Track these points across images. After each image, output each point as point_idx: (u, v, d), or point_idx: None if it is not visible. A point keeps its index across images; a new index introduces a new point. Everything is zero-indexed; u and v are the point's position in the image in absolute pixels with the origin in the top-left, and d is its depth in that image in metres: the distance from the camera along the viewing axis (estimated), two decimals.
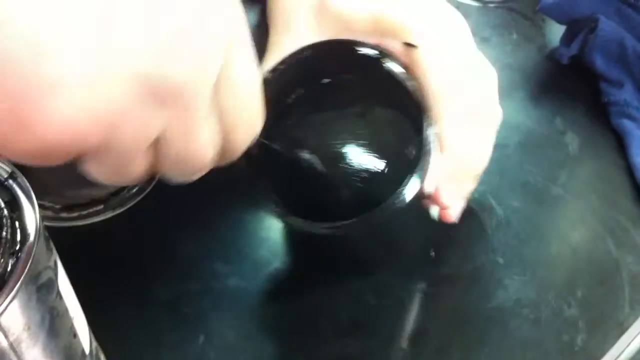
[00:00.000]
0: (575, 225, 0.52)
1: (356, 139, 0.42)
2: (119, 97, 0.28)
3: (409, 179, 0.40)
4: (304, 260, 0.49)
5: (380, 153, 0.42)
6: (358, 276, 0.48)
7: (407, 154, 0.42)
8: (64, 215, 0.48)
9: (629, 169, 0.55)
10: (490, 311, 0.47)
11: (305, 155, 0.42)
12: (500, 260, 0.49)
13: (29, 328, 0.31)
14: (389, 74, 0.43)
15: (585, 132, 0.58)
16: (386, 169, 0.42)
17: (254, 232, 0.50)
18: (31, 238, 0.31)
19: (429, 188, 0.42)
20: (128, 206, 0.50)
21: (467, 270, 0.49)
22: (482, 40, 0.65)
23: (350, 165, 0.42)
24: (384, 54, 0.43)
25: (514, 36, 0.66)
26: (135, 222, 0.50)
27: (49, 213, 0.48)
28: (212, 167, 0.36)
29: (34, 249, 0.31)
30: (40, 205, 0.48)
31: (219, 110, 0.32)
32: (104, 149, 0.30)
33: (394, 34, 0.43)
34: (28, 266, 0.30)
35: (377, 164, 0.42)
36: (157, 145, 0.31)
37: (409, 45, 0.43)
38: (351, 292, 0.47)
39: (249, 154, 0.38)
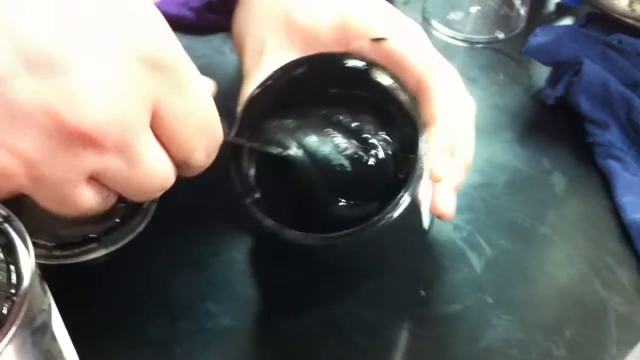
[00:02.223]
0: (562, 265, 0.53)
1: (346, 150, 0.43)
2: (39, 139, 0.29)
3: (402, 194, 0.41)
4: (295, 300, 0.50)
5: (371, 165, 0.43)
6: (348, 316, 0.48)
7: (398, 167, 0.43)
8: (57, 253, 0.48)
9: (615, 210, 0.56)
10: (480, 352, 0.47)
11: (296, 165, 0.43)
12: (489, 300, 0.50)
13: None
14: (379, 85, 0.44)
15: (571, 173, 0.59)
16: (377, 182, 0.43)
17: (246, 272, 0.50)
18: (26, 282, 0.31)
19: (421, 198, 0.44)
20: (121, 244, 0.50)
21: (456, 310, 0.49)
22: (470, 81, 0.66)
23: (342, 177, 0.43)
24: (372, 64, 0.44)
25: (501, 77, 0.67)
26: (128, 261, 0.50)
27: (42, 251, 0.48)
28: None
29: (29, 293, 0.31)
30: (33, 244, 0.48)
31: (169, 137, 0.34)
32: (36, 186, 0.31)
33: (361, 35, 0.45)
34: (23, 310, 0.30)
35: (368, 176, 0.43)
36: (99, 177, 0.33)
37: (378, 40, 0.45)
38: (341, 333, 0.47)
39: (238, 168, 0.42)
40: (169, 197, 0.53)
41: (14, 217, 0.34)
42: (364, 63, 0.45)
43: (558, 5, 0.76)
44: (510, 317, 0.49)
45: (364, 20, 0.46)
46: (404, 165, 0.43)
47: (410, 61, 0.45)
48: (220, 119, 0.38)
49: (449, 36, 0.71)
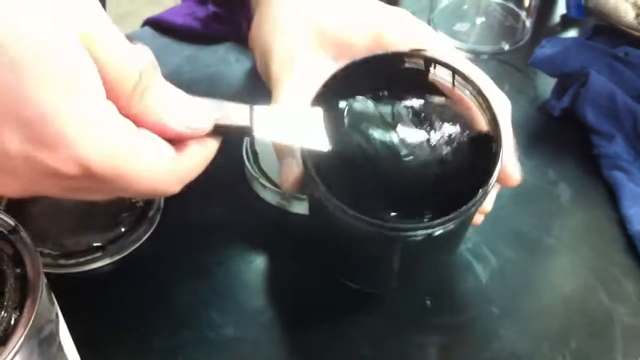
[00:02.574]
0: (568, 276, 0.53)
1: (409, 148, 0.42)
2: None
3: (477, 196, 0.40)
4: (300, 310, 0.50)
5: (438, 162, 0.42)
6: (353, 325, 0.48)
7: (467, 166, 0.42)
8: (62, 262, 0.49)
9: (621, 221, 0.55)
10: None
11: (361, 160, 0.41)
12: (495, 311, 0.50)
13: None
14: (444, 84, 0.44)
15: (577, 184, 0.59)
16: (443, 179, 0.42)
17: (250, 282, 0.50)
18: (34, 293, 0.31)
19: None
20: (126, 253, 0.50)
21: (462, 320, 0.49)
22: None
23: (406, 175, 0.41)
24: (435, 62, 0.43)
25: (506, 88, 0.67)
26: (132, 270, 0.50)
27: (48, 260, 0.48)
28: None
29: (37, 303, 0.31)
30: (38, 252, 0.48)
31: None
32: None
33: (398, 45, 0.45)
34: (31, 321, 0.30)
35: (433, 173, 0.42)
36: None
37: (416, 50, 0.44)
38: (346, 342, 0.47)
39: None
40: (173, 206, 0.53)
41: (21, 228, 0.34)
42: (426, 60, 0.44)
43: (563, 17, 0.76)
44: (517, 327, 0.49)
45: (400, 30, 0.45)
46: (470, 167, 0.42)
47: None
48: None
49: (454, 47, 0.71)
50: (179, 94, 0.34)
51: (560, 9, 0.77)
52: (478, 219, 0.46)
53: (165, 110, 0.33)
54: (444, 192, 0.41)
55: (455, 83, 0.44)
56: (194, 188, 0.38)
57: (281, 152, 0.45)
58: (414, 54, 0.44)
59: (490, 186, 0.41)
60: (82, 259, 0.49)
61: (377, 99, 0.43)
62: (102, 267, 0.50)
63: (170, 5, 0.74)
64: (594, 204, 0.58)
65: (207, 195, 0.54)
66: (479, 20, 0.74)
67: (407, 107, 0.43)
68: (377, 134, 0.41)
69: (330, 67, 0.44)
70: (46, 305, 0.33)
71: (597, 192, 0.58)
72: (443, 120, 0.43)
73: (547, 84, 0.66)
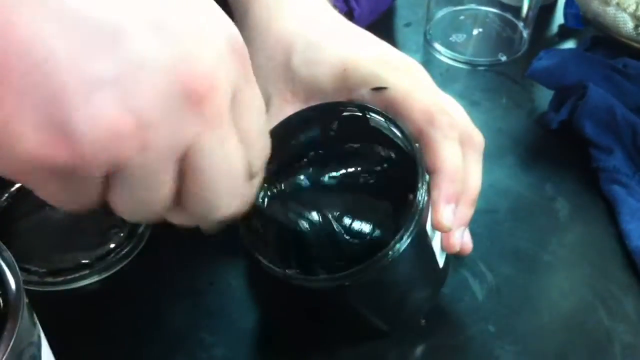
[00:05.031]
0: (566, 293, 0.52)
1: (348, 194, 0.42)
2: (156, 96, 0.29)
3: (403, 231, 0.39)
4: (292, 330, 0.48)
5: (373, 207, 0.42)
6: (347, 347, 0.47)
7: (400, 205, 0.42)
8: (49, 279, 0.48)
9: (620, 236, 0.54)
10: None
11: (298, 212, 0.42)
12: (492, 330, 0.48)
13: None
14: (376, 129, 0.43)
15: (575, 198, 0.58)
16: (377, 222, 0.42)
17: (242, 301, 0.49)
18: (14, 315, 0.30)
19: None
20: (114, 270, 0.49)
21: (458, 340, 0.48)
22: (472, 104, 0.65)
23: (343, 220, 0.42)
24: (367, 109, 0.43)
25: (504, 100, 0.66)
26: (120, 288, 0.49)
27: (34, 278, 0.47)
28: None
29: (17, 326, 0.30)
30: (25, 270, 0.47)
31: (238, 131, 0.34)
32: (138, 160, 0.30)
33: (362, 84, 0.44)
34: (10, 345, 0.29)
35: (369, 218, 0.42)
36: (185, 165, 0.32)
37: (378, 89, 0.44)
38: None
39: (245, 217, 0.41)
40: (163, 222, 0.52)
41: (4, 247, 0.33)
42: (360, 108, 0.44)
43: (561, 27, 0.76)
44: (514, 347, 0.48)
45: (365, 69, 0.45)
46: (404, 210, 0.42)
47: (410, 111, 0.44)
48: None
49: (451, 58, 0.71)
50: None
51: (558, 19, 0.76)
52: (451, 247, 0.44)
53: None
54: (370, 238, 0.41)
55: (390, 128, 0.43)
56: None
57: None
58: (349, 103, 0.44)
59: (406, 236, 0.39)
60: (69, 277, 0.48)
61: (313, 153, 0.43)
62: (89, 285, 0.49)
63: None
64: (592, 220, 0.57)
65: None
66: (476, 31, 0.74)
67: (346, 157, 0.43)
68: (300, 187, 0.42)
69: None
70: (27, 327, 0.32)
71: (596, 207, 0.57)
72: (367, 165, 0.43)
73: (544, 96, 0.65)
